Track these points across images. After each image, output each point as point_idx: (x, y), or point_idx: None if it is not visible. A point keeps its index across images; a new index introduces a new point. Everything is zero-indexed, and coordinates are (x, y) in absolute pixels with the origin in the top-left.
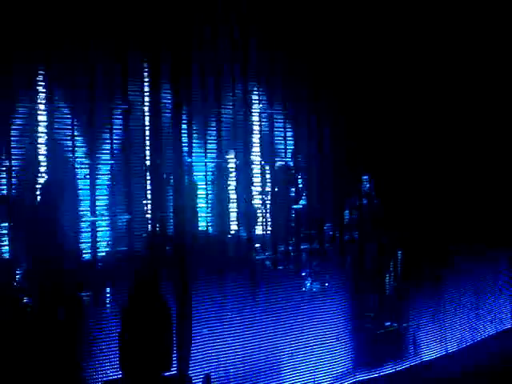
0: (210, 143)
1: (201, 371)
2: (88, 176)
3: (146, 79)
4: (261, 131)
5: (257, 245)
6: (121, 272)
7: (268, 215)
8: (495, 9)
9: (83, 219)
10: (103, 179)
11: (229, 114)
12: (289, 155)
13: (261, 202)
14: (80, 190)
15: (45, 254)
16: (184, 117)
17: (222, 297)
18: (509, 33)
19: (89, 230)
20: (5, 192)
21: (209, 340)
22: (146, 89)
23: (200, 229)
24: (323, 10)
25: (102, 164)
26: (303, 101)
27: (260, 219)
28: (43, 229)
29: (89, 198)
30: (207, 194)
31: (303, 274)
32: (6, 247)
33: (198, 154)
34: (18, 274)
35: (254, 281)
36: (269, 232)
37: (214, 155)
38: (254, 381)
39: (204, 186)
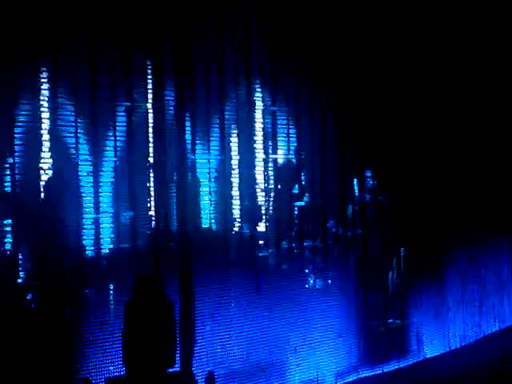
0: (213, 140)
1: (204, 368)
2: (91, 173)
3: (150, 77)
4: (264, 128)
5: (260, 242)
6: (124, 269)
7: (271, 212)
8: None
9: (87, 216)
10: (107, 176)
11: (232, 111)
12: (292, 152)
13: (264, 198)
14: (83, 187)
15: (48, 251)
16: (187, 114)
17: (225, 294)
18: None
19: (92, 226)
20: (9, 189)
21: (212, 337)
22: (150, 86)
23: (203, 226)
24: (327, 7)
25: (106, 161)
26: (306, 97)
27: (263, 216)
28: (47, 226)
29: (92, 195)
30: (210, 191)
31: (306, 270)
32: (10, 245)
33: (201, 151)
34: (21, 272)
35: (258, 277)
36: (272, 229)
37: (217, 152)
38: (258, 377)
39: (207, 183)
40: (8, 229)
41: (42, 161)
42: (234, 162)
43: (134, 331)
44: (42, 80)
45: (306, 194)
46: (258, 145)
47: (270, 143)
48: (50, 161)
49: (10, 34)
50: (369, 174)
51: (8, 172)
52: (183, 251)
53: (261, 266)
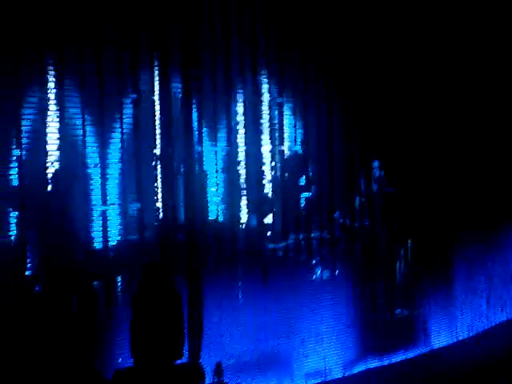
0: (220, 132)
1: (212, 359)
2: (98, 165)
3: (156, 68)
4: (270, 119)
5: (267, 233)
6: (132, 260)
7: (278, 203)
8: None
9: (94, 208)
10: (114, 168)
11: (239, 102)
12: (298, 143)
13: (271, 190)
14: (91, 179)
15: (56, 243)
16: (194, 105)
17: (232, 285)
18: None
19: (100, 218)
20: (16, 182)
21: (220, 328)
22: (156, 78)
23: (210, 217)
24: None
25: (113, 153)
26: (313, 89)
27: (270, 208)
28: (54, 218)
29: (100, 187)
30: (217, 183)
31: (314, 262)
32: (18, 237)
33: (208, 142)
34: (29, 264)
35: (265, 269)
36: (279, 220)
37: (224, 144)
38: (265, 368)
39: (214, 175)
40: (16, 221)
41: (49, 153)
42: (241, 153)
43: (142, 322)
44: (49, 72)
45: (313, 185)
46: (265, 136)
47: (276, 134)
48: (57, 153)
49: (17, 26)
50: (376, 164)
51: (15, 164)
52: (191, 243)
53: (268, 257)
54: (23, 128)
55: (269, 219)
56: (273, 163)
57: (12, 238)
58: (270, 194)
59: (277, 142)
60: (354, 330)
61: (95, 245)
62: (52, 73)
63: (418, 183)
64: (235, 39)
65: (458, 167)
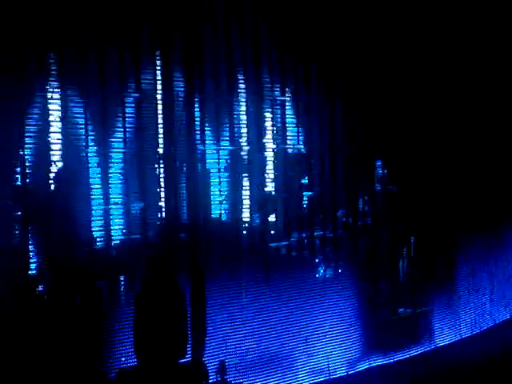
0: (223, 131)
1: (216, 358)
2: (101, 164)
3: (159, 67)
4: (273, 118)
5: (270, 232)
6: (135, 259)
7: (281, 202)
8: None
9: (97, 207)
10: (116, 167)
11: (241, 101)
12: (301, 142)
13: (274, 189)
14: (93, 178)
15: (59, 242)
16: (196, 104)
17: (236, 283)
18: None
19: (102, 218)
20: (19, 181)
21: (223, 327)
22: (159, 77)
23: (213, 216)
24: None
25: (115, 152)
26: (316, 87)
27: (273, 206)
28: (57, 218)
29: (102, 186)
30: (220, 182)
31: (317, 260)
32: (21, 236)
33: (210, 141)
34: (32, 263)
35: (268, 267)
36: (282, 219)
37: (226, 143)
38: (269, 367)
39: (217, 174)
40: (19, 220)
41: (52, 153)
42: (244, 152)
43: (145, 322)
44: (51, 72)
45: (316, 184)
46: (268, 135)
47: (279, 133)
48: (60, 153)
49: (19, 26)
50: (379, 163)
51: (18, 164)
52: (193, 242)
53: (271, 255)
54: (26, 128)
55: (272, 218)
56: (275, 162)
57: (15, 237)
58: (272, 193)
59: (279, 141)
60: (357, 329)
61: (98, 244)
62: (54, 73)
63: (421, 182)
64: (237, 38)
65: (461, 167)
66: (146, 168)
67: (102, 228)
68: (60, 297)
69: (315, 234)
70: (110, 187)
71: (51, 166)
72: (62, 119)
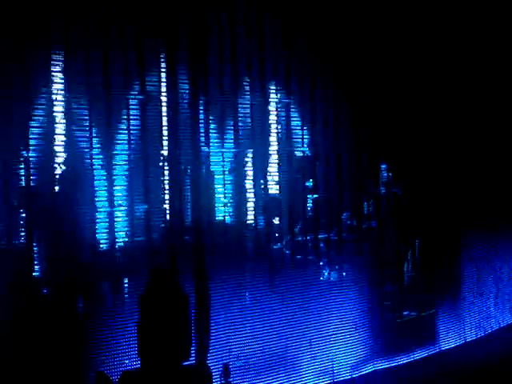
0: (227, 133)
1: (219, 360)
2: (105, 166)
3: (163, 69)
4: (278, 120)
5: (274, 234)
6: (139, 262)
7: (285, 205)
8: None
9: (101, 210)
10: (120, 169)
11: (246, 103)
12: (306, 144)
13: (278, 191)
14: (97, 180)
15: (63, 244)
16: (201, 106)
17: (240, 286)
18: None
19: (106, 220)
20: (23, 183)
21: (227, 329)
22: (163, 79)
23: (218, 218)
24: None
25: (119, 154)
26: (320, 89)
27: (277, 209)
28: (61, 220)
29: (106, 188)
30: (224, 184)
31: (321, 263)
32: (24, 238)
33: (215, 143)
34: (36, 266)
35: (272, 270)
36: (286, 221)
37: (231, 145)
38: (273, 370)
39: (221, 176)
40: (23, 222)
41: (56, 154)
42: (248, 154)
43: (149, 324)
44: (56, 74)
45: (321, 187)
46: (272, 137)
47: (284, 136)
48: (64, 154)
49: (24, 27)
50: (383, 166)
51: (23, 166)
52: (198, 244)
53: (275, 258)
54: (30, 129)
55: (276, 221)
56: (280, 164)
57: (19, 239)
58: (277, 196)
59: (284, 144)
60: (361, 332)
61: (102, 246)
62: (59, 74)
63: (426, 185)
64: (242, 40)
65: (466, 169)
66: (150, 170)
67: (105, 230)
68: (64, 299)
69: (320, 236)
70: (114, 189)
71: (55, 167)
72: (67, 121)
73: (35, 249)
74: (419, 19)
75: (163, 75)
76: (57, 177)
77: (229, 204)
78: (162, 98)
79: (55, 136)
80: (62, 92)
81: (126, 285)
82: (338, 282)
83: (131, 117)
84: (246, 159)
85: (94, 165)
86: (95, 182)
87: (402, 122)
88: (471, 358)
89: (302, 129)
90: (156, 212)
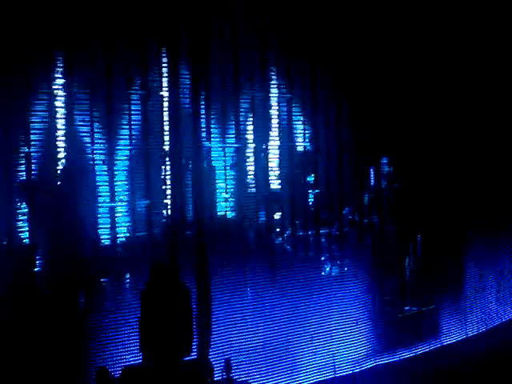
0: (229, 128)
1: (221, 356)
2: (106, 162)
3: (165, 64)
4: (279, 116)
5: (276, 229)
6: (140, 257)
7: (287, 199)
8: None
9: (102, 205)
10: (122, 165)
11: (247, 98)
12: (307, 139)
13: (279, 186)
14: (99, 175)
15: (64, 239)
16: (202, 102)
17: (241, 281)
18: None
19: (108, 215)
20: (25, 178)
21: (229, 324)
22: (165, 74)
23: (219, 213)
24: None
25: (121, 149)
26: (322, 85)
27: (279, 204)
28: (63, 215)
29: (108, 183)
30: (226, 179)
31: (322, 258)
32: (26, 233)
33: (216, 138)
34: (38, 260)
35: (274, 265)
36: (288, 216)
37: (232, 140)
38: (274, 364)
39: (223, 171)
40: (24, 218)
41: (58, 150)
42: (250, 149)
43: (151, 319)
44: (58, 70)
45: (322, 182)
46: (274, 132)
47: (285, 131)
48: (66, 150)
49: (26, 23)
50: (385, 160)
51: (24, 161)
52: (199, 239)
53: (277, 253)
54: (32, 125)
55: (277, 215)
56: (281, 159)
57: (20, 234)
58: (278, 191)
59: (285, 139)
60: (363, 326)
61: (104, 241)
62: (61, 70)
63: (427, 179)
64: (244, 36)
65: (469, 165)
66: (151, 165)
67: (107, 225)
68: (65, 294)
69: (321, 231)
70: (116, 184)
71: (57, 163)
72: (68, 116)
73: (36, 244)
74: (420, 15)
75: (165, 70)
76: (58, 172)
77: (230, 199)
78: (163, 93)
79: (57, 131)
80: (64, 88)
81: (128, 280)
82: (340, 277)
83: (133, 112)
84: (248, 154)
85: (95, 160)
86: (97, 177)
87: (404, 117)
88: (473, 353)
89: (303, 124)
90: (157, 207)
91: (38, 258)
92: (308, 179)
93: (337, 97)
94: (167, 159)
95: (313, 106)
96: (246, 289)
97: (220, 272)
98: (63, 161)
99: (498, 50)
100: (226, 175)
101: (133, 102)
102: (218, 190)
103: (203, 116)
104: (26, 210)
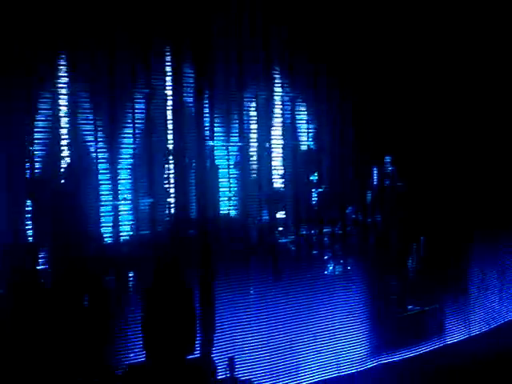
0: (232, 127)
1: (224, 354)
2: (110, 160)
3: (168, 63)
4: (283, 115)
5: (279, 228)
6: (143, 255)
7: (290, 198)
8: None
9: (106, 203)
10: (125, 163)
11: (251, 97)
12: (311, 138)
13: (283, 185)
14: (102, 174)
15: (68, 238)
16: (206, 100)
17: (244, 280)
18: None
19: (111, 213)
20: (29, 177)
21: (232, 323)
22: (169, 73)
23: (222, 212)
24: None
25: (125, 148)
26: (325, 84)
27: (282, 203)
28: (66, 213)
29: (111, 182)
30: (229, 178)
31: (326, 257)
32: (29, 232)
33: (220, 137)
34: (41, 258)
35: (277, 264)
36: (291, 215)
37: (236, 139)
38: (277, 363)
39: (226, 170)
40: (28, 216)
41: (61, 148)
42: (253, 148)
43: (154, 317)
44: (61, 67)
45: (325, 181)
46: (277, 131)
47: (289, 130)
48: (69, 148)
49: (29, 22)
50: (388, 159)
51: (27, 160)
52: (202, 238)
53: (280, 252)
54: (35, 123)
55: (281, 214)
56: (285, 158)
57: (24, 232)
58: (281, 189)
59: (289, 137)
60: (366, 325)
61: (107, 240)
62: (64, 67)
63: (430, 178)
64: (248, 34)
65: (472, 165)
66: (155, 164)
67: (110, 224)
68: (68, 292)
69: (324, 230)
70: (119, 183)
71: (60, 161)
72: (72, 115)
73: (40, 242)
74: (426, 14)
75: (168, 69)
76: (62, 171)
77: (233, 198)
78: (166, 91)
79: (60, 130)
80: (67, 85)
81: (131, 278)
82: (343, 276)
83: (136, 110)
84: (251, 153)
85: (99, 158)
86: (100, 176)
87: (408, 116)
88: (476, 352)
89: (306, 122)
90: (161, 205)
91: (41, 256)
92: (311, 178)
93: (341, 96)
94: (171, 158)
95: (317, 105)
96: (250, 287)
97: (223, 270)
98: (66, 159)
99: (509, 47)
100: (229, 174)
101: (136, 100)
102: (221, 189)
103: (207, 115)
104: (29, 209)
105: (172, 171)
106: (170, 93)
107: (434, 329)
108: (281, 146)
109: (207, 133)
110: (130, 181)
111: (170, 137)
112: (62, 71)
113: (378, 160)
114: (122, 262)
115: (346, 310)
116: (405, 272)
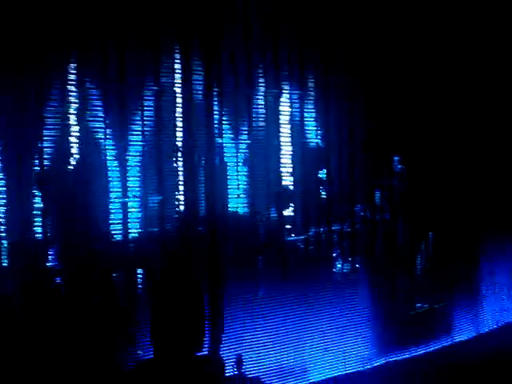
0: (241, 124)
1: (232, 352)
2: (119, 157)
3: (177, 60)
4: (291, 112)
5: (288, 226)
6: (152, 252)
7: (299, 196)
8: None
9: (115, 200)
10: (134, 160)
11: (259, 95)
12: (319, 136)
13: (291, 183)
14: (111, 171)
15: (77, 235)
16: (215, 98)
17: (253, 278)
18: None
19: (120, 211)
20: (38, 174)
21: (240, 321)
22: (178, 70)
23: (231, 210)
24: None
25: (134, 145)
26: (334, 82)
27: (291, 200)
28: (75, 210)
29: (120, 179)
30: (238, 175)
31: (334, 255)
32: (39, 229)
33: (229, 134)
34: (50, 256)
35: (285, 262)
36: (300, 213)
37: (244, 136)
38: (285, 361)
39: (235, 167)
40: (37, 213)
41: (71, 145)
42: (262, 145)
43: (162, 314)
44: (70, 65)
45: (334, 179)
46: (286, 129)
47: (297, 127)
48: (78, 145)
49: (39, 18)
50: (397, 158)
51: (37, 156)
52: (211, 235)
53: (288, 250)
54: (45, 120)
55: (289, 212)
56: (293, 156)
57: (33, 229)
58: (290, 187)
59: (298, 135)
60: (374, 323)
61: (116, 237)
62: (74, 65)
63: (440, 177)
64: (257, 32)
65: (483, 163)
66: (164, 161)
67: (119, 221)
68: (77, 289)
69: (333, 228)
70: (128, 180)
71: (69, 158)
72: (81, 112)
73: (49, 239)
74: (435, 14)
75: (177, 66)
76: (71, 168)
77: (242, 195)
78: (176, 89)
79: (70, 127)
80: (77, 83)
81: (140, 275)
82: (351, 273)
83: (145, 108)
84: (260, 150)
85: (108, 155)
86: (109, 173)
87: (418, 114)
88: (485, 350)
89: (315, 120)
90: (170, 203)
91: (50, 253)
92: (320, 176)
93: (349, 94)
94: (180, 155)
95: (325, 102)
96: (258, 285)
97: (232, 267)
98: (76, 156)
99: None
100: (238, 171)
101: (146, 98)
102: (230, 186)
103: (216, 112)
104: (39, 206)
105: (181, 168)
106: (179, 90)
107: (443, 327)
108: (289, 143)
109: (216, 130)
110: (138, 178)
111: (179, 134)
112: (72, 69)
113: (387, 158)
114: (130, 259)
115: (354, 308)
116: (414, 270)
